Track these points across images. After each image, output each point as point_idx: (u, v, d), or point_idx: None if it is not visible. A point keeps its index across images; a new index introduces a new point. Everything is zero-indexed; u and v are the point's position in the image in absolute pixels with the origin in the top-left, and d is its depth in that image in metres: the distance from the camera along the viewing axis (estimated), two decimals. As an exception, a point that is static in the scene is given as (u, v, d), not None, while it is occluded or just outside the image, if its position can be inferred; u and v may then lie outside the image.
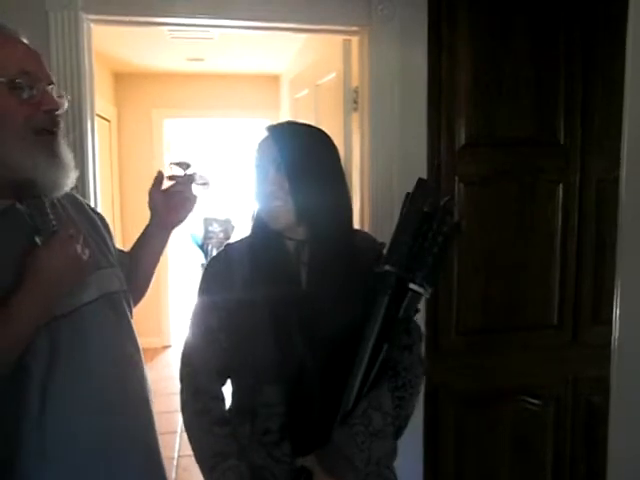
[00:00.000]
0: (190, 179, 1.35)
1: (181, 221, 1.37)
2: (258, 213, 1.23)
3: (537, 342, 2.13)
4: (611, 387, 0.97)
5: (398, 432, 1.17)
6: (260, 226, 1.22)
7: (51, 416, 1.01)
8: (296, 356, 1.13)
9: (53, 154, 1.04)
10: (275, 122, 1.27)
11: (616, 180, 1.02)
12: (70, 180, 1.08)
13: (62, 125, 1.08)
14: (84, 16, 1.80)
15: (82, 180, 1.81)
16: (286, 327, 1.14)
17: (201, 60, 4.34)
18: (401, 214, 1.17)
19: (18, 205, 1.04)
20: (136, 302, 1.34)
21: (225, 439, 1.18)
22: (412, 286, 1.09)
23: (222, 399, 1.25)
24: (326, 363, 1.13)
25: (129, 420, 1.15)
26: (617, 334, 0.94)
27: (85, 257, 1.04)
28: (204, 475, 1.19)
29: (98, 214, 1.31)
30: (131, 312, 1.25)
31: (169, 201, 1.33)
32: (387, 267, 1.11)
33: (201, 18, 1.95)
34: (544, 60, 2.04)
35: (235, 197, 8.00)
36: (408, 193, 1.17)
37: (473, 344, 2.09)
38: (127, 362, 1.18)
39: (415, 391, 1.18)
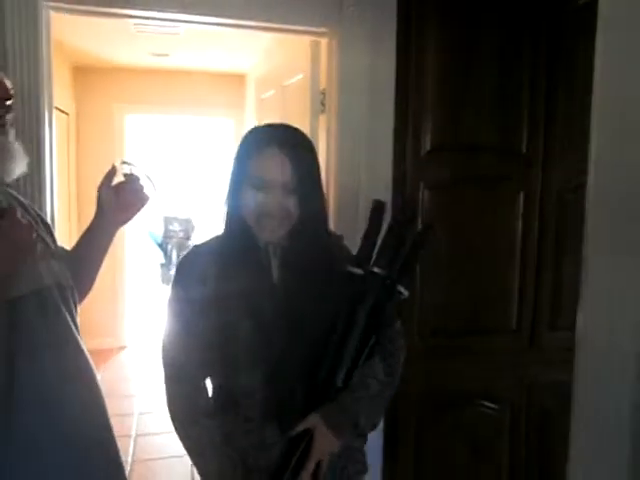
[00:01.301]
0: (143, 178, 1.34)
1: (129, 220, 1.35)
2: (237, 214, 1.21)
3: (495, 346, 2.17)
4: (573, 389, 0.99)
5: (387, 400, 1.27)
6: (237, 227, 1.22)
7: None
8: (273, 341, 1.17)
9: None
10: (267, 123, 1.28)
11: (576, 189, 1.04)
12: (16, 169, 1.06)
13: (11, 113, 1.06)
14: (43, 3, 1.73)
15: (38, 172, 1.75)
16: (262, 313, 1.18)
17: (166, 56, 4.27)
18: (371, 220, 1.21)
19: None
20: (80, 301, 1.32)
21: (212, 429, 1.22)
22: (399, 288, 1.17)
23: (206, 390, 1.28)
24: (302, 348, 1.18)
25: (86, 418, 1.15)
26: (581, 335, 0.96)
27: (33, 239, 1.01)
28: (193, 460, 1.24)
29: (39, 215, 1.28)
30: (77, 309, 1.24)
31: (119, 198, 1.31)
32: (376, 269, 1.16)
33: (168, 12, 1.91)
34: (509, 70, 2.08)
35: (196, 196, 7.89)
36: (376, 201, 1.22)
37: (432, 348, 2.11)
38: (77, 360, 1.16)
39: (400, 360, 1.30)
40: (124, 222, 1.35)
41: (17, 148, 1.07)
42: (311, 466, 1.15)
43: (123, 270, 5.05)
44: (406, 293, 1.17)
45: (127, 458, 3.16)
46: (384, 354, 1.25)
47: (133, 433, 3.46)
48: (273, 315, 1.19)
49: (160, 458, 3.16)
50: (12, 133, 1.07)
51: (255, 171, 1.16)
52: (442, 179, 2.08)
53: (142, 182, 1.33)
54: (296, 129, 1.25)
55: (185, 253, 1.29)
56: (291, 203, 1.17)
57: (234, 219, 1.23)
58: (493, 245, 2.13)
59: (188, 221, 8.04)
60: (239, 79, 4.96)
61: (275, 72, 2.87)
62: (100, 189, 1.30)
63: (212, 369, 1.26)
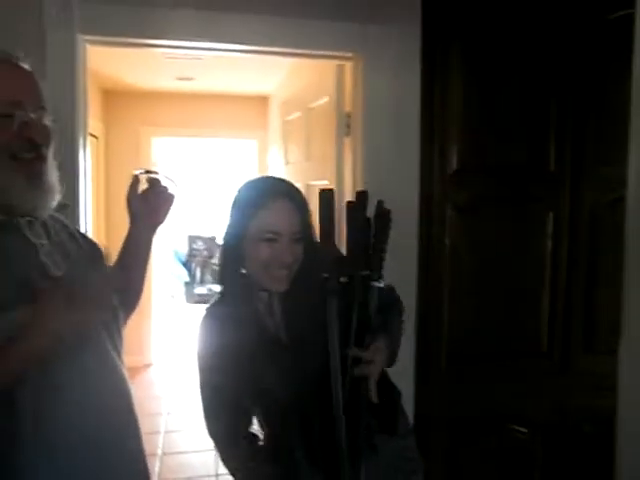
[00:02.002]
0: (164, 180, 1.38)
1: (162, 222, 1.39)
2: (241, 268, 1.26)
3: (526, 370, 2.13)
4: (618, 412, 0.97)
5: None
6: (241, 283, 1.26)
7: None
8: (290, 390, 1.21)
9: (32, 177, 1.04)
10: (268, 180, 1.37)
11: (612, 203, 1.03)
12: (52, 202, 1.08)
13: (51, 147, 1.09)
14: (81, 37, 1.79)
15: (73, 198, 1.80)
16: (275, 368, 1.23)
17: (191, 79, 4.35)
18: (350, 222, 1.26)
19: (18, 218, 1.05)
20: (129, 314, 1.34)
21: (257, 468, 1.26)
22: (375, 284, 1.24)
23: (253, 438, 1.30)
24: (316, 388, 1.23)
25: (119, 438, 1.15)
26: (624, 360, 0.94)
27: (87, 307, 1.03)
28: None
29: (89, 241, 1.31)
30: (121, 329, 1.24)
31: (148, 203, 1.34)
32: (364, 272, 1.23)
33: (197, 41, 1.96)
34: (536, 88, 2.07)
35: (219, 216, 7.97)
36: (349, 202, 1.28)
37: (462, 372, 2.08)
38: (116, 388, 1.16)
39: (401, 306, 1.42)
40: (158, 225, 1.38)
41: (55, 182, 1.09)
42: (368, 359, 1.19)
43: (149, 288, 5.11)
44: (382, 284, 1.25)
45: (154, 478, 3.18)
46: (399, 309, 1.39)
47: (159, 452, 3.47)
48: (285, 366, 1.23)
49: (186, 478, 3.16)
50: (51, 167, 1.09)
51: (264, 225, 1.20)
52: (469, 200, 2.07)
53: (165, 183, 1.37)
54: (287, 181, 1.32)
55: (203, 320, 1.31)
56: (299, 250, 1.22)
57: (235, 279, 1.27)
58: (522, 266, 2.10)
59: (212, 240, 8.13)
60: (262, 101, 5.03)
61: (300, 94, 2.91)
62: (129, 199, 1.35)
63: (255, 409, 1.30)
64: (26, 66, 1.07)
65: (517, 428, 2.11)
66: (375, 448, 1.26)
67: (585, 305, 2.10)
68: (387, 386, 1.32)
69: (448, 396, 2.04)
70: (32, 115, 1.04)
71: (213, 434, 1.28)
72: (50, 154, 1.09)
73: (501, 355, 2.12)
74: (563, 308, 2.11)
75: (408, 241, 2.04)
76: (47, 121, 1.07)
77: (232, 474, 1.30)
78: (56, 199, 1.10)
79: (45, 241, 1.09)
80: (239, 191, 1.30)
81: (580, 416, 2.11)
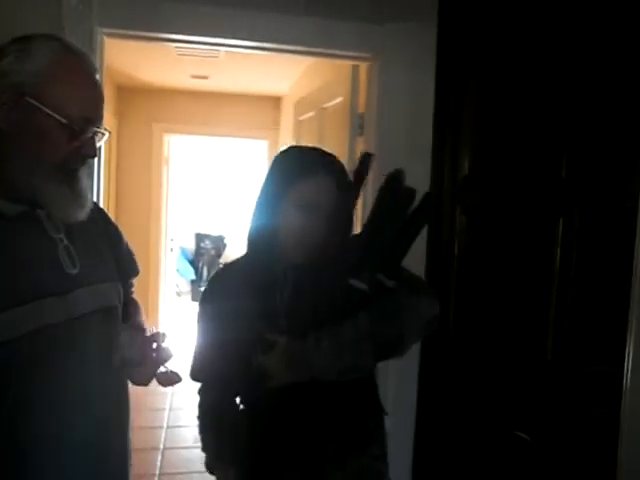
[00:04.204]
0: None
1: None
2: (270, 231, 1.22)
3: (530, 376, 2.12)
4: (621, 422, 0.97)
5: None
6: (265, 245, 1.24)
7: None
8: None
9: (71, 190, 1.05)
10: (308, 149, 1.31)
11: (622, 214, 1.03)
12: (84, 212, 1.09)
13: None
14: (99, 29, 1.81)
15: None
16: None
17: (205, 78, 4.37)
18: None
19: (38, 210, 1.05)
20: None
21: (235, 441, 1.27)
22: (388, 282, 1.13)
23: (235, 402, 1.31)
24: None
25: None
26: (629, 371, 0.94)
27: None
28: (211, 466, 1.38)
29: (112, 223, 1.32)
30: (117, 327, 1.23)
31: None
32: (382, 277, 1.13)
33: (210, 37, 1.97)
34: (553, 95, 2.07)
35: (228, 214, 8.00)
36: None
37: (465, 376, 2.08)
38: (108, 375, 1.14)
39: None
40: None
41: (88, 192, 1.10)
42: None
43: (156, 285, 5.14)
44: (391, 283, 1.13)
45: (155, 471, 3.19)
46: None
47: (162, 446, 3.49)
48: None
49: (188, 472, 3.17)
50: (85, 178, 1.10)
51: (305, 194, 1.18)
52: (479, 204, 2.07)
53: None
54: (335, 156, 1.28)
55: (215, 272, 1.35)
56: (330, 227, 1.19)
57: (264, 237, 1.24)
58: (530, 272, 2.10)
59: (220, 239, 8.15)
60: (275, 101, 5.05)
61: (314, 95, 2.92)
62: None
63: (238, 384, 1.29)
64: (97, 76, 1.08)
65: (519, 434, 2.10)
66: (343, 465, 1.22)
67: (591, 314, 2.08)
68: (370, 403, 1.29)
69: (449, 400, 2.04)
70: (96, 134, 1.06)
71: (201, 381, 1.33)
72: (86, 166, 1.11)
73: (507, 361, 2.11)
74: (569, 317, 2.10)
75: (417, 244, 2.04)
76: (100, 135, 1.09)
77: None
78: (87, 209, 1.10)
79: (63, 236, 1.08)
80: (285, 154, 1.28)
81: (580, 424, 2.10)
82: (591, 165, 2.08)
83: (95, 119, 1.05)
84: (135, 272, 1.35)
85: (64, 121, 0.99)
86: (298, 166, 1.22)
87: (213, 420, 1.34)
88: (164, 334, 1.19)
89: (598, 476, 1.22)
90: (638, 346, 0.95)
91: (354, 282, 1.10)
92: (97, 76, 1.08)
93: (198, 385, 1.37)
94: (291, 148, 1.34)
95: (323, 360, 1.09)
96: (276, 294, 1.22)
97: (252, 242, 1.27)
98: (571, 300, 2.11)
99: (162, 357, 1.14)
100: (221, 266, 1.38)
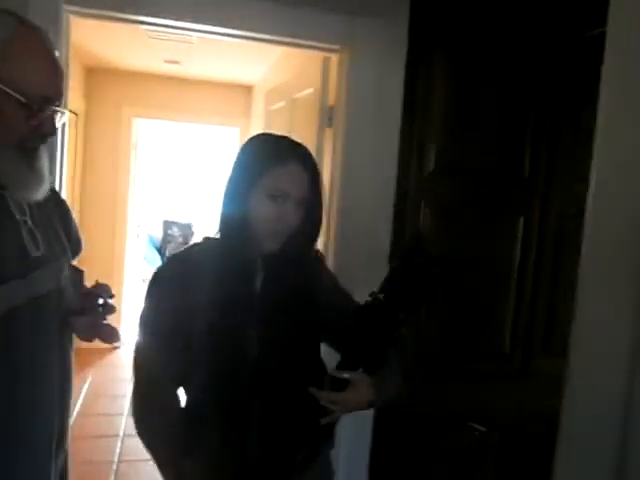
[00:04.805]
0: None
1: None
2: (240, 220, 1.21)
3: (488, 370, 2.18)
4: (562, 414, 1.00)
5: None
6: (237, 233, 1.22)
7: None
8: (250, 354, 1.20)
9: (31, 169, 1.04)
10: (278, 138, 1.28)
11: (574, 216, 1.06)
12: (42, 191, 1.07)
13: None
14: (65, 7, 1.77)
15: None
16: (241, 326, 1.20)
17: (177, 63, 4.31)
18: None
19: (5, 192, 1.03)
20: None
21: (179, 440, 1.24)
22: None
23: (178, 402, 1.28)
24: (279, 363, 1.21)
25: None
26: (571, 363, 0.97)
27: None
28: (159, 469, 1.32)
29: (63, 200, 1.31)
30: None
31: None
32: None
33: (184, 21, 1.94)
34: (516, 94, 2.11)
35: (197, 202, 7.92)
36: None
37: (426, 370, 2.11)
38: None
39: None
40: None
41: (46, 171, 1.08)
42: (336, 403, 1.17)
43: (121, 271, 5.07)
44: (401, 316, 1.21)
45: (113, 458, 3.17)
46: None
47: (121, 433, 3.46)
48: (251, 327, 1.20)
49: (146, 459, 3.13)
50: (44, 157, 1.08)
51: (277, 183, 1.18)
52: (443, 200, 2.10)
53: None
54: (305, 145, 1.28)
55: (160, 266, 1.29)
56: (301, 215, 1.21)
57: (235, 224, 1.22)
58: (491, 268, 2.15)
59: (188, 226, 8.07)
60: (247, 90, 5.02)
61: (285, 85, 2.91)
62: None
63: (187, 382, 1.27)
64: (57, 54, 1.05)
65: (475, 426, 2.16)
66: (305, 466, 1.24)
67: (547, 309, 2.15)
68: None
69: (411, 393, 2.06)
70: (56, 112, 1.04)
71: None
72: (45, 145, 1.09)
73: (466, 355, 2.16)
74: (527, 311, 2.16)
75: (381, 240, 2.07)
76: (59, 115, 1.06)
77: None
78: (46, 188, 1.08)
79: (28, 218, 1.07)
80: (256, 141, 1.27)
81: (535, 417, 2.16)
82: (553, 167, 2.14)
83: (54, 97, 1.03)
84: (80, 249, 1.32)
85: (22, 99, 0.97)
86: (270, 154, 1.21)
87: (157, 423, 1.27)
88: (109, 288, 1.21)
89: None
90: (582, 337, 0.98)
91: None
92: (56, 53, 1.04)
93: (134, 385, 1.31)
94: (261, 135, 1.32)
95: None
96: (250, 281, 1.22)
97: (223, 229, 1.25)
98: (528, 295, 2.17)
99: (106, 309, 1.17)
100: (166, 259, 1.32)
